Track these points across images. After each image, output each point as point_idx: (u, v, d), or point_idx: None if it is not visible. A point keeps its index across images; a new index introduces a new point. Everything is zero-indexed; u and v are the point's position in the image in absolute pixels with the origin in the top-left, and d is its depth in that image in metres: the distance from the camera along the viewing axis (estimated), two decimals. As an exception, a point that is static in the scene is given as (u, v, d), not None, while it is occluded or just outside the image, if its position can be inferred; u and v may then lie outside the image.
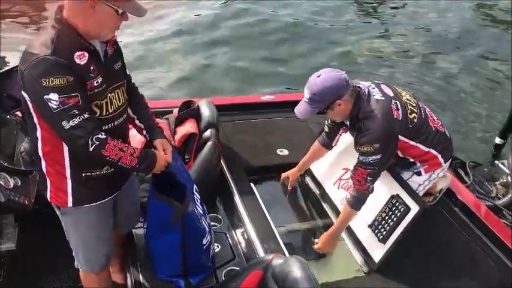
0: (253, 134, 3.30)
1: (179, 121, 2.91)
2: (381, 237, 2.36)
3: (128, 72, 2.01)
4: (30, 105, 1.68)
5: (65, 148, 1.77)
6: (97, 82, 1.73)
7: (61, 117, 1.61)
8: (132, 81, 2.06)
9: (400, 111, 2.27)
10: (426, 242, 2.51)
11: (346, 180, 2.69)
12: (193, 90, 5.42)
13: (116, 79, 1.85)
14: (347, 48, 6.97)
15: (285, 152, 3.16)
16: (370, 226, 2.44)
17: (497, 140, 4.47)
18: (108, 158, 1.70)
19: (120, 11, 1.67)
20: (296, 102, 3.59)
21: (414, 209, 2.28)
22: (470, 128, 5.31)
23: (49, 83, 1.57)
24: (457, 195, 2.88)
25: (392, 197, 2.39)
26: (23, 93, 1.66)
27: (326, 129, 2.68)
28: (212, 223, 2.50)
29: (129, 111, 2.01)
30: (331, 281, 2.31)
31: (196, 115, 2.91)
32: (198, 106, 2.94)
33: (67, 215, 1.95)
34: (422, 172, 2.51)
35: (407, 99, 2.39)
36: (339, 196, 2.72)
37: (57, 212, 1.98)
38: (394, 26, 7.80)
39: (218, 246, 2.43)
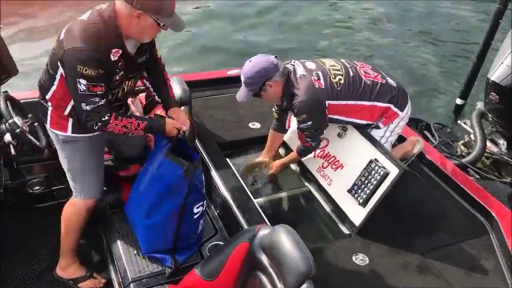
0: (223, 109, 3.27)
1: (149, 110, 2.84)
2: (360, 201, 2.41)
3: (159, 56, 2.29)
4: (60, 71, 1.94)
5: (70, 104, 2.04)
6: (119, 76, 2.00)
7: (83, 99, 1.90)
8: (161, 64, 2.32)
9: (321, 80, 2.45)
10: (401, 202, 2.59)
11: (322, 148, 2.72)
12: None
13: (134, 71, 2.10)
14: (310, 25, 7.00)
15: (257, 125, 3.15)
16: (349, 191, 2.48)
17: (458, 101, 4.65)
18: (113, 131, 2.00)
19: (161, 24, 1.90)
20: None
21: (394, 172, 2.33)
22: (432, 91, 5.47)
23: (83, 70, 1.84)
24: (426, 156, 2.98)
25: (371, 161, 2.43)
26: (58, 62, 1.92)
27: (275, 115, 2.84)
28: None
29: (152, 89, 2.32)
30: (315, 246, 2.35)
31: None
32: None
33: (66, 143, 2.17)
34: (381, 125, 2.59)
35: (331, 66, 2.54)
36: (315, 164, 2.76)
37: (56, 142, 2.21)
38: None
39: (200, 223, 2.43)
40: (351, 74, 2.51)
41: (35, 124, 2.48)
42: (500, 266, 2.36)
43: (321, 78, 2.46)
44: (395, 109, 2.55)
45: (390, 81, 2.58)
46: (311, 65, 2.54)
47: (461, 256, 2.39)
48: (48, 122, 2.15)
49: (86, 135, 2.16)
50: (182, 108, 2.67)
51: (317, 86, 2.42)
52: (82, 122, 1.98)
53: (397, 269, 2.26)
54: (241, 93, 2.53)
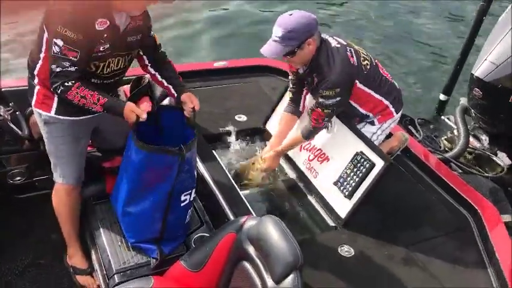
0: (209, 101, 3.24)
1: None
2: (346, 193, 2.41)
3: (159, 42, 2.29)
4: (46, 36, 1.94)
5: None
6: (103, 47, 1.97)
7: (54, 60, 1.89)
8: (161, 50, 2.31)
9: (354, 58, 2.37)
10: (386, 196, 2.61)
11: (308, 142, 2.72)
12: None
13: (123, 49, 2.07)
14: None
15: (243, 117, 3.14)
16: (335, 183, 2.49)
17: (442, 97, 4.70)
18: (73, 101, 1.96)
19: None
20: (249, 68, 3.66)
21: (379, 164, 2.35)
22: (417, 87, 5.53)
23: (63, 31, 1.84)
24: (411, 150, 3.01)
25: (357, 153, 2.44)
26: (44, 25, 1.94)
27: (290, 94, 2.71)
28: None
29: (158, 76, 2.31)
30: (301, 238, 2.35)
31: (147, 92, 2.79)
32: (149, 81, 2.83)
33: (48, 124, 2.15)
34: (376, 122, 2.61)
35: (359, 48, 2.49)
36: (301, 157, 2.76)
37: (39, 120, 2.18)
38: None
39: (186, 215, 2.41)
40: (373, 63, 2.50)
41: (17, 113, 2.43)
42: (482, 258, 2.40)
43: (354, 56, 2.37)
44: (392, 109, 2.58)
45: (396, 83, 2.63)
46: (341, 40, 2.44)
47: (445, 249, 2.41)
48: (34, 101, 2.14)
49: (69, 118, 2.15)
50: (167, 99, 2.65)
51: (352, 62, 2.35)
52: (50, 84, 1.97)
53: (382, 261, 2.28)
54: (275, 49, 2.28)
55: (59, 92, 1.94)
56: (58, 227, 2.39)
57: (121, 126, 2.44)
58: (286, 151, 2.72)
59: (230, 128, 3.00)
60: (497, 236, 2.48)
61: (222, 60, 3.69)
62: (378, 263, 2.27)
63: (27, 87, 2.21)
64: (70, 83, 1.93)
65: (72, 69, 1.91)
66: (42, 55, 2.02)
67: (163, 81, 2.32)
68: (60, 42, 1.86)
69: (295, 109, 2.69)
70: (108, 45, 1.98)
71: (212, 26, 6.50)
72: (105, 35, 1.95)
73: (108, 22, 1.94)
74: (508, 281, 2.23)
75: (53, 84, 1.94)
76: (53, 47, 1.87)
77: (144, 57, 2.29)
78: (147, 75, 2.65)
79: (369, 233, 2.41)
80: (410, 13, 7.35)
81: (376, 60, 2.57)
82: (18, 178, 2.71)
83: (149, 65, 2.32)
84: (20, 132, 2.40)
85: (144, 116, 2.01)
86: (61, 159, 2.24)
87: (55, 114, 2.13)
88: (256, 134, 3.04)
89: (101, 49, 1.97)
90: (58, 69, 1.90)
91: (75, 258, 2.44)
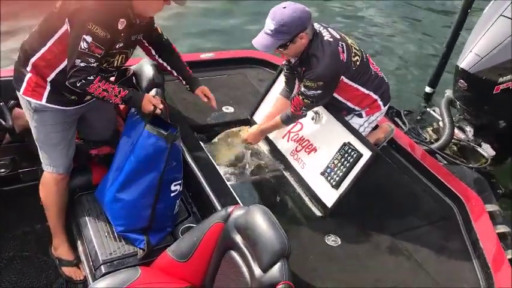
0: None
1: None
2: (333, 183, 2.43)
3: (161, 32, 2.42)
4: (64, 29, 1.99)
5: (59, 68, 2.07)
6: (118, 45, 2.08)
7: (80, 56, 1.94)
8: (165, 39, 2.44)
9: (345, 54, 2.36)
10: (372, 186, 2.63)
11: (295, 132, 2.73)
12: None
13: (128, 47, 2.17)
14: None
15: (231, 109, 3.13)
16: (322, 174, 2.50)
17: (427, 89, 4.74)
18: (93, 94, 2.03)
19: None
20: (236, 60, 3.65)
21: (366, 154, 2.36)
22: (403, 79, 5.57)
23: (93, 28, 1.91)
24: (397, 141, 3.03)
25: (344, 144, 2.45)
26: (66, 19, 1.97)
27: (285, 79, 2.71)
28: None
29: (167, 66, 2.49)
30: (288, 228, 2.35)
31: (132, 83, 2.77)
32: (133, 73, 2.81)
33: (38, 112, 2.15)
34: (363, 114, 2.62)
35: (352, 43, 2.47)
36: (289, 148, 2.76)
37: (26, 110, 2.18)
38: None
39: (173, 206, 2.40)
40: (364, 58, 2.50)
41: (1, 104, 2.40)
42: (466, 246, 2.44)
43: (345, 51, 2.35)
44: (380, 103, 2.60)
45: (384, 77, 2.64)
46: (335, 33, 2.41)
47: (430, 237, 2.45)
48: (23, 88, 2.13)
49: (59, 107, 2.16)
50: (154, 90, 2.62)
51: (341, 58, 2.33)
52: (68, 77, 1.99)
53: (369, 250, 2.31)
54: (267, 42, 2.25)
55: (78, 84, 1.98)
56: (43, 218, 2.37)
57: (105, 116, 2.44)
58: (268, 132, 2.78)
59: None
60: (481, 225, 2.52)
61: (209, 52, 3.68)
62: (364, 252, 2.29)
63: (11, 78, 2.18)
64: (92, 77, 1.99)
65: (95, 65, 1.98)
66: (49, 43, 2.04)
67: (173, 71, 2.50)
68: (89, 39, 1.91)
69: (289, 94, 2.69)
70: (122, 44, 2.08)
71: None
72: (122, 34, 2.04)
73: (125, 22, 2.03)
74: (491, 269, 2.27)
75: (72, 77, 1.97)
76: (81, 43, 1.91)
77: (151, 48, 2.39)
78: (132, 67, 2.65)
79: (355, 222, 2.43)
80: (397, 5, 7.37)
81: (367, 55, 2.57)
82: (3, 170, 2.68)
83: (157, 55, 2.43)
84: (3, 122, 2.37)
85: (161, 106, 2.14)
86: (51, 148, 2.23)
87: (46, 102, 2.13)
88: (243, 125, 3.03)
89: (116, 47, 2.07)
90: (82, 64, 1.95)
91: (60, 249, 2.42)
